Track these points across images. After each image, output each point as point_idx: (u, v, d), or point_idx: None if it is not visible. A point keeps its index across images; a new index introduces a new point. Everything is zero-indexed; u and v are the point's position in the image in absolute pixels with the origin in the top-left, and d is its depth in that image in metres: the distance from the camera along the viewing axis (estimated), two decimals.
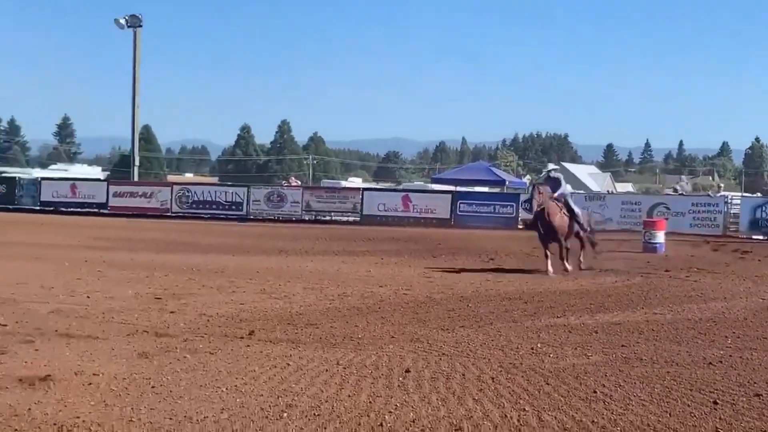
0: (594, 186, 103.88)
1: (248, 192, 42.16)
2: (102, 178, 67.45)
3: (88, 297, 13.15)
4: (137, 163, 50.71)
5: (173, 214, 41.46)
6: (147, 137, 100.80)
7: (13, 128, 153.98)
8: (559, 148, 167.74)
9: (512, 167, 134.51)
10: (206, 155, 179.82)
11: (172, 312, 11.91)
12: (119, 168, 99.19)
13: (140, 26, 49.28)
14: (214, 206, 42.00)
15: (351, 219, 39.70)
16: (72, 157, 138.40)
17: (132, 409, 6.80)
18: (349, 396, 7.37)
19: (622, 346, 9.99)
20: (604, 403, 7.30)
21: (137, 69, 49.69)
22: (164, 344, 9.57)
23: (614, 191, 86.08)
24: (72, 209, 43.92)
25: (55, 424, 6.28)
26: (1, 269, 16.39)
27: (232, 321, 11.34)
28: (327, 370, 8.38)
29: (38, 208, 44.83)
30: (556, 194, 19.17)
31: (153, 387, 7.56)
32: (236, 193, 42.43)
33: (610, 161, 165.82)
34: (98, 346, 9.41)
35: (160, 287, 14.63)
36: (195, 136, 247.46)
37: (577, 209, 19.75)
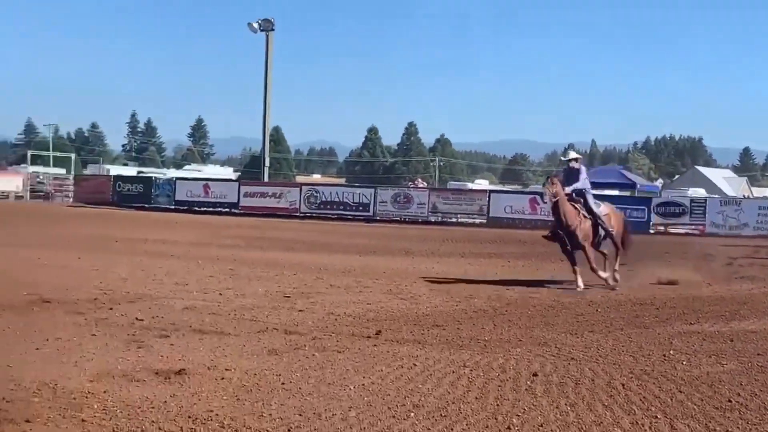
0: (729, 190, 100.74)
1: (375, 193, 42.52)
2: (234, 178, 68.97)
3: (221, 294, 13.46)
4: (267, 163, 51.63)
5: (302, 214, 42.12)
6: (277, 139, 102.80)
7: (150, 130, 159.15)
8: (692, 151, 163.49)
9: (644, 170, 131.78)
10: (334, 156, 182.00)
11: (300, 310, 12.09)
12: (250, 168, 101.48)
13: (272, 30, 50.20)
14: (341, 207, 42.49)
15: (477, 221, 39.60)
16: (205, 158, 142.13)
17: (263, 404, 6.94)
18: (476, 398, 7.35)
19: (758, 354, 9.65)
20: (739, 412, 7.08)
21: (269, 72, 50.62)
22: (293, 342, 9.72)
23: (751, 196, 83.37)
24: (205, 208, 45.12)
25: (189, 417, 6.45)
26: (138, 266, 16.94)
27: (359, 320, 11.45)
28: (454, 372, 8.37)
29: (173, 207, 46.17)
30: (568, 189, 16.07)
31: (283, 383, 7.69)
32: (363, 194, 42.82)
33: (746, 165, 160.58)
34: (230, 342, 9.63)
35: (289, 286, 14.88)
36: (323, 138, 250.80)
37: (599, 209, 16.55)
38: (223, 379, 7.75)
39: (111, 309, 11.47)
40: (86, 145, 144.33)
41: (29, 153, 75.22)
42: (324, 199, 43.12)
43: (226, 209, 44.84)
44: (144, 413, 6.51)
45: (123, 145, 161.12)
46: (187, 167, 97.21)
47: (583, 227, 16.02)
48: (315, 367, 8.43)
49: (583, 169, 16.63)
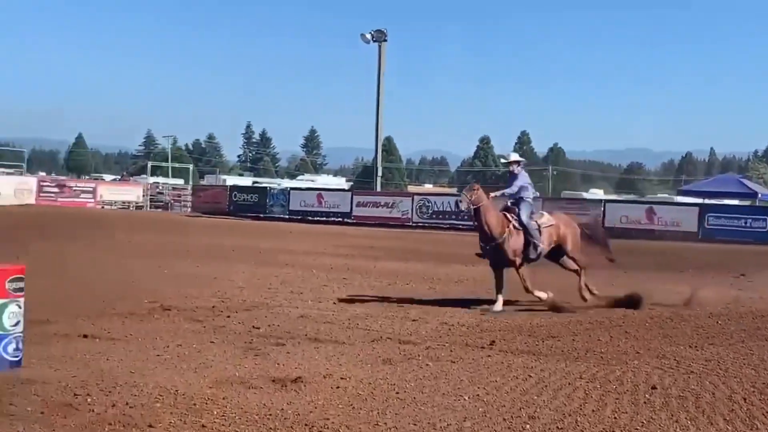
0: None
1: None
2: (346, 188, 69.59)
3: (335, 303, 13.59)
4: (380, 173, 51.98)
5: (414, 224, 42.21)
6: (389, 148, 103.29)
7: (265, 140, 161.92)
8: None
9: (765, 179, 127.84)
10: (445, 166, 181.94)
11: (414, 320, 12.11)
12: (362, 178, 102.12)
13: (385, 40, 50.56)
14: (453, 216, 42.40)
15: None
16: (318, 168, 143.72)
17: (378, 413, 6.97)
18: (593, 411, 7.23)
19: None
20: None
21: (381, 82, 50.99)
22: (407, 351, 9.74)
23: None
24: (318, 218, 45.63)
25: (306, 425, 6.52)
26: (254, 275, 17.23)
27: (472, 330, 11.40)
28: (569, 384, 8.26)
29: (287, 216, 46.85)
30: (495, 194, 14.28)
31: (397, 393, 7.71)
32: None
33: None
34: (345, 350, 9.70)
35: (402, 295, 14.91)
36: (435, 147, 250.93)
37: (541, 219, 14.29)
38: (338, 387, 7.81)
39: (228, 317, 11.70)
40: (203, 156, 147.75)
41: (149, 164, 77.32)
42: (436, 209, 43.13)
43: (339, 219, 45.29)
44: (262, 420, 6.61)
45: (238, 156, 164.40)
46: (300, 177, 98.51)
47: (512, 241, 13.85)
48: (429, 376, 8.43)
49: (523, 174, 14.57)
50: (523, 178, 14.41)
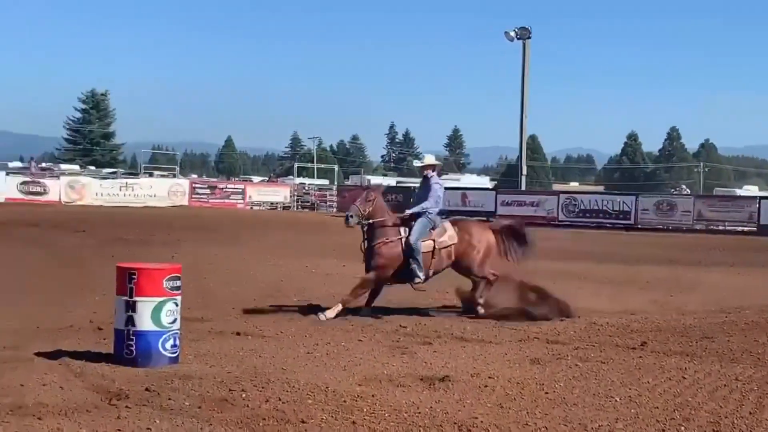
0: None
1: (636, 201, 41.39)
2: (490, 187, 69.28)
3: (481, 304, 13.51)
4: (524, 172, 51.49)
5: (560, 223, 41.69)
6: (533, 147, 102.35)
7: (408, 140, 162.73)
8: None
9: None
10: (591, 164, 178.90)
11: (561, 320, 11.95)
12: (506, 177, 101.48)
13: (529, 38, 50.06)
14: (600, 215, 41.72)
15: (746, 229, 37.70)
16: (461, 167, 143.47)
17: (527, 413, 6.91)
18: (751, 413, 6.99)
19: None
20: None
21: (526, 80, 50.51)
22: (555, 351, 9.63)
23: None
24: (462, 217, 45.49)
25: (455, 423, 6.53)
26: None
27: (622, 330, 11.18)
28: (725, 386, 8.01)
29: None
30: (409, 211, 12.81)
31: (546, 393, 7.63)
32: (624, 201, 41.77)
33: None
34: (492, 350, 9.67)
35: None
36: (580, 145, 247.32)
37: (441, 238, 12.50)
38: (486, 386, 7.78)
39: (372, 316, 11.79)
40: (348, 157, 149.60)
41: (295, 165, 78.84)
42: (582, 208, 42.50)
43: (483, 218, 45.00)
44: (411, 418, 6.64)
45: (382, 156, 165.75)
46: (444, 177, 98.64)
47: (384, 252, 12.19)
48: (578, 377, 8.32)
49: (439, 181, 12.98)
50: (441, 188, 12.84)
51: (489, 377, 8.14)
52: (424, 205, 12.49)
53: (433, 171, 12.82)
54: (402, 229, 12.36)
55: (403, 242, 12.18)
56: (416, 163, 13.64)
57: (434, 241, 12.41)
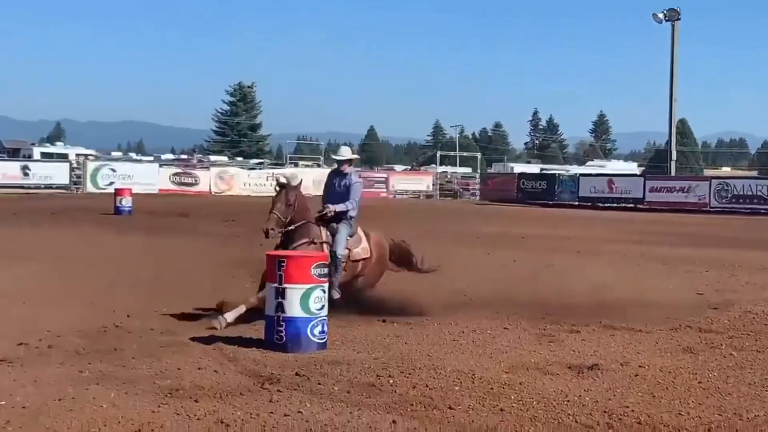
0: None
1: None
2: (638, 173, 67.79)
3: (629, 291, 13.26)
4: (674, 157, 50.20)
5: (711, 209, 40.48)
6: (683, 131, 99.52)
7: (552, 127, 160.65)
8: None
9: None
10: (744, 148, 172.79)
11: (714, 308, 11.61)
12: (654, 163, 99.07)
13: (678, 19, 48.74)
14: (754, 201, 40.33)
15: None
16: (608, 153, 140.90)
17: (680, 402, 6.75)
18: None
19: None
20: None
21: (675, 63, 49.22)
22: (708, 340, 9.37)
23: None
24: (609, 204, 44.78)
25: (605, 412, 6.43)
26: (543, 263, 17.11)
27: None
28: None
29: (576, 203, 46.32)
30: (336, 207, 10.76)
31: (699, 382, 7.44)
32: None
33: None
34: (642, 338, 9.47)
35: (701, 282, 14.33)
36: (732, 129, 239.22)
37: (357, 248, 10.91)
38: (637, 375, 7.64)
39: (518, 304, 11.67)
40: (490, 145, 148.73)
41: (438, 153, 78.86)
42: (736, 193, 41.12)
43: (631, 204, 44.18)
44: (560, 405, 6.57)
45: (525, 143, 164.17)
46: (589, 163, 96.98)
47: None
48: (733, 366, 8.07)
49: (358, 180, 11.22)
50: (361, 186, 11.22)
51: (640, 366, 7.98)
52: (348, 205, 10.78)
53: (349, 165, 11.26)
54: (323, 231, 10.63)
55: (326, 247, 10.45)
56: (336, 157, 11.54)
57: (350, 250, 10.83)
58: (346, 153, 11.35)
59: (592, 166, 79.47)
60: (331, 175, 11.29)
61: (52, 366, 7.51)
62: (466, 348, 8.77)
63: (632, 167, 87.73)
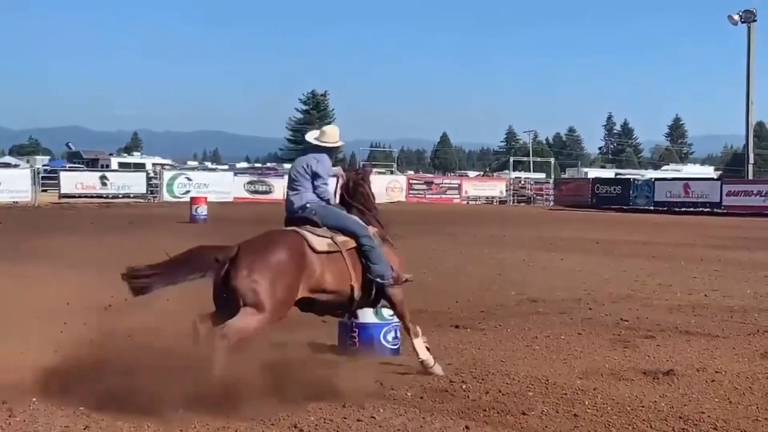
0: None
1: None
2: (715, 177, 66.69)
3: (706, 296, 13.09)
4: (751, 161, 49.30)
5: None
6: (760, 134, 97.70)
7: (627, 131, 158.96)
8: None
9: None
10: None
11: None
12: (731, 167, 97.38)
13: (755, 21, 47.94)
14: None
15: None
16: (684, 157, 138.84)
17: (757, 408, 6.66)
18: None
19: None
20: None
21: (751, 64, 48.38)
22: None
23: None
24: (685, 209, 44.15)
25: (680, 417, 6.36)
26: (620, 267, 16.99)
27: None
28: None
29: (652, 208, 45.76)
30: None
31: None
32: None
33: None
34: (718, 344, 9.34)
35: None
36: None
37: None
38: (713, 381, 7.54)
39: (591, 309, 11.62)
40: (564, 150, 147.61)
41: (511, 159, 78.66)
42: None
43: (708, 209, 43.50)
44: (635, 411, 6.53)
45: (600, 148, 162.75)
46: (665, 167, 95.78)
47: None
48: None
49: (325, 158, 7.96)
50: (321, 163, 7.95)
51: (716, 371, 7.88)
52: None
53: (319, 153, 8.03)
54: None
55: None
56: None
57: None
58: (328, 134, 8.19)
59: (668, 171, 78.43)
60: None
61: None
62: (540, 353, 8.75)
63: (709, 171, 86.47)
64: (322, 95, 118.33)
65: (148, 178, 47.84)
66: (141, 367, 6.50)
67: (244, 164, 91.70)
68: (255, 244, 7.38)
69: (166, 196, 45.84)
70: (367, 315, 8.41)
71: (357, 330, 8.45)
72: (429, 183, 55.42)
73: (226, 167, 75.29)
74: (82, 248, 19.37)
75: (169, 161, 77.62)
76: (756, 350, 8.96)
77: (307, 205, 7.80)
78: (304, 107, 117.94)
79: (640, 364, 8.22)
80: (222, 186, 47.02)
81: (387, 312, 8.43)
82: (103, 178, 46.63)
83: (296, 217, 7.84)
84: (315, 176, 7.84)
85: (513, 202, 55.13)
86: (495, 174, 78.75)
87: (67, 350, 7.07)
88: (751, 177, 49.13)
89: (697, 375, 7.76)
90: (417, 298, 11.82)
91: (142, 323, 7.60)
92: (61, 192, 43.53)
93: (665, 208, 44.84)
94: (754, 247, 22.49)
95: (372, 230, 7.89)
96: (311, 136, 8.21)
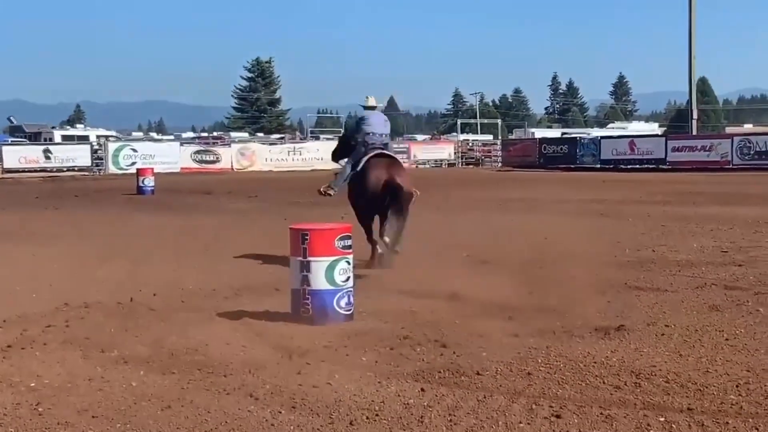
0: None
1: None
2: (660, 133, 67.42)
3: (653, 251, 13.25)
4: (695, 116, 49.85)
5: (734, 167, 40.23)
6: (703, 89, 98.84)
7: (572, 90, 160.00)
8: None
9: None
10: (766, 104, 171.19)
11: (739, 265, 11.58)
12: (676, 123, 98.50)
13: None
14: None
15: None
16: (628, 115, 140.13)
17: (707, 360, 6.76)
18: None
19: None
20: None
21: (692, 19, 48.75)
22: (734, 297, 9.34)
23: None
24: (631, 166, 44.63)
25: (632, 372, 6.44)
26: (568, 226, 17.09)
27: None
28: None
29: (598, 166, 46.18)
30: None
31: (726, 339, 7.44)
32: None
33: None
34: (667, 298, 9.46)
35: (725, 240, 14.29)
36: (755, 85, 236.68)
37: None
38: (663, 335, 7.64)
39: (541, 268, 11.60)
40: (510, 111, 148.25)
41: (458, 121, 78.77)
42: (759, 149, 40.80)
43: (653, 165, 44.00)
44: (587, 368, 6.60)
45: (546, 108, 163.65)
46: (610, 126, 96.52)
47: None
48: (760, 323, 8.07)
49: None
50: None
51: (665, 325, 7.98)
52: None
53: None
54: None
55: None
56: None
57: None
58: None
59: (614, 129, 79.08)
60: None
61: (80, 346, 7.57)
62: (491, 314, 8.77)
63: (653, 128, 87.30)
64: (267, 62, 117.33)
65: (93, 151, 47.21)
66: None
67: (190, 134, 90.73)
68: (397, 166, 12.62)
69: (112, 169, 45.34)
70: (319, 281, 8.39)
71: (309, 297, 8.43)
72: None
73: (172, 137, 74.47)
74: (29, 223, 19.14)
75: (113, 133, 76.60)
76: (704, 303, 9.09)
77: (387, 142, 13.07)
78: (249, 75, 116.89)
79: (592, 321, 8.29)
80: (168, 156, 46.55)
81: (339, 278, 8.43)
82: (46, 151, 45.96)
83: (379, 143, 12.69)
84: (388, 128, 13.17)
85: (462, 165, 55.26)
86: (443, 137, 78.81)
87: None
88: (695, 132, 49.71)
89: (647, 329, 7.86)
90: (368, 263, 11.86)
91: None
92: (4, 167, 42.83)
93: (612, 166, 45.25)
94: (700, 202, 22.81)
95: None
96: (374, 101, 13.15)
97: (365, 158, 12.35)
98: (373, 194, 12.03)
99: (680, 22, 50.37)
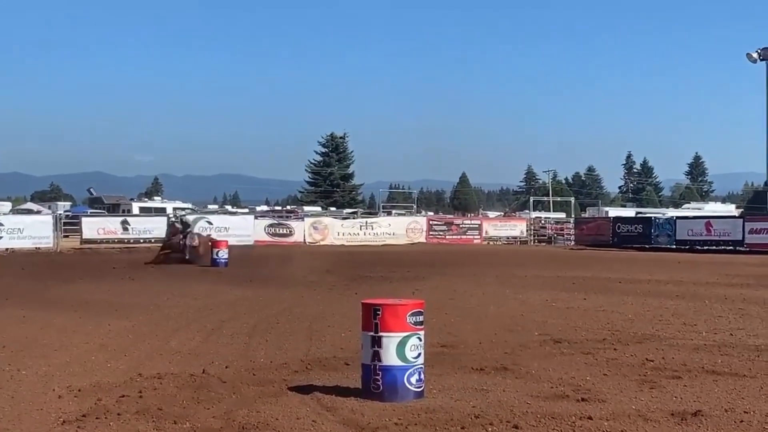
0: None
1: None
2: (736, 214, 66.35)
3: (731, 335, 12.96)
4: None
5: None
6: None
7: (646, 170, 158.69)
8: None
9: None
10: None
11: None
12: (753, 204, 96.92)
13: None
14: None
15: None
16: (704, 195, 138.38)
17: None
18: None
19: None
20: None
21: None
22: None
23: None
24: (707, 247, 43.91)
25: None
26: (643, 306, 16.86)
27: None
28: None
29: (673, 246, 45.52)
30: None
31: None
32: None
33: None
34: (746, 383, 9.23)
35: None
36: None
37: None
38: (741, 422, 7.45)
39: (618, 349, 11.51)
40: (584, 189, 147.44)
41: (531, 199, 78.49)
42: None
43: (730, 247, 43.24)
44: None
45: (620, 187, 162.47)
46: (686, 206, 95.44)
47: None
48: None
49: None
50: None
51: (744, 412, 7.78)
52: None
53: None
54: None
55: None
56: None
57: None
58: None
59: (689, 209, 78.12)
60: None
61: (153, 417, 7.64)
62: (565, 395, 8.65)
63: (730, 209, 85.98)
64: (341, 137, 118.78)
65: (170, 223, 48.00)
66: None
67: (263, 207, 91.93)
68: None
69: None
70: (390, 357, 8.37)
71: (380, 373, 8.40)
72: (449, 224, 55.31)
73: (246, 210, 75.52)
74: (107, 293, 19.48)
75: (189, 205, 77.99)
76: None
77: None
78: (323, 150, 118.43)
79: (668, 405, 8.12)
80: (243, 229, 47.07)
81: (411, 354, 8.39)
82: (124, 222, 46.83)
83: None
84: None
85: (534, 242, 54.96)
86: (515, 214, 78.59)
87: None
88: None
89: (725, 415, 7.67)
90: (439, 338, 11.81)
91: None
92: (83, 237, 43.76)
93: (687, 247, 44.59)
94: None
95: None
96: None
97: None
98: None
99: (758, 103, 49.88)
